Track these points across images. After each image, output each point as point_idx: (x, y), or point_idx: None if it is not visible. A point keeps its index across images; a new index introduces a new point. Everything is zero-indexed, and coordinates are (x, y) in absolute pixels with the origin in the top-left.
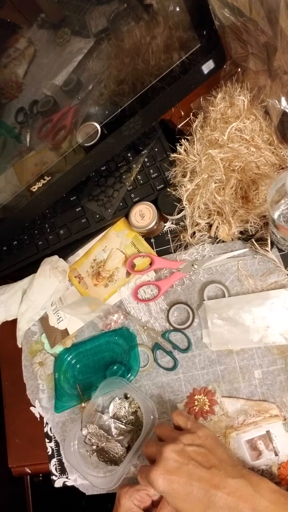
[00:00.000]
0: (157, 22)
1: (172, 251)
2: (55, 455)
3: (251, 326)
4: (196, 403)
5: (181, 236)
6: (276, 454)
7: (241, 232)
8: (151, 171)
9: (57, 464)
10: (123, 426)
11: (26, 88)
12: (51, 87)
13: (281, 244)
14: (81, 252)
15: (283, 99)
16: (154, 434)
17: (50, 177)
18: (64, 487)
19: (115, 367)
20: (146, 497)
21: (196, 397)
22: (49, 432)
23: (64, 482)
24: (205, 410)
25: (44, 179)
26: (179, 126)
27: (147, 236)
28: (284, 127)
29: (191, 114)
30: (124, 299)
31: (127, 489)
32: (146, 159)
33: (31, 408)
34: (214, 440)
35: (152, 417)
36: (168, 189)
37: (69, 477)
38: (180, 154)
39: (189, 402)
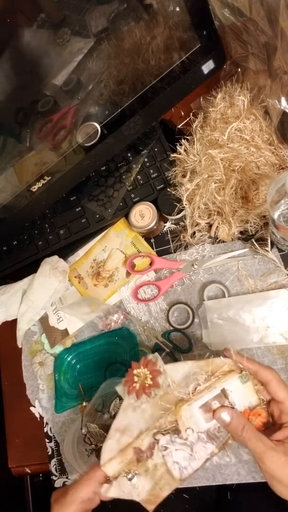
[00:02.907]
0: (157, 22)
1: (172, 251)
2: (55, 455)
3: (251, 326)
4: (136, 379)
5: (181, 236)
6: (233, 408)
7: (241, 232)
8: (151, 171)
9: (57, 464)
10: None
11: (26, 88)
12: (51, 87)
13: (281, 244)
14: (81, 252)
15: (283, 99)
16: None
17: (50, 177)
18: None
19: (115, 368)
20: (82, 504)
21: (135, 371)
22: (49, 432)
23: (64, 482)
24: (147, 384)
25: (44, 179)
26: (179, 126)
27: (147, 236)
28: (284, 127)
29: (191, 114)
30: (124, 299)
31: (58, 503)
32: (146, 159)
33: (31, 408)
34: None
35: None
36: (168, 189)
37: (69, 477)
38: (180, 154)
39: (128, 379)
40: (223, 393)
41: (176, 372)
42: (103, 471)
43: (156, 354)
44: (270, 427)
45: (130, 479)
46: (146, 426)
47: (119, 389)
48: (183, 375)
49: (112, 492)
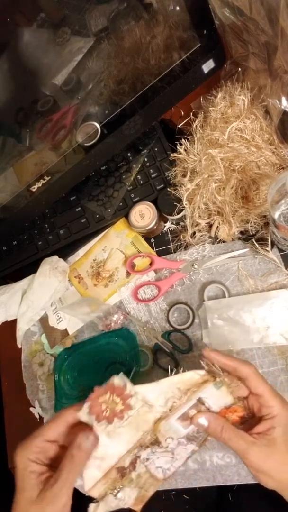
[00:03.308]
0: (157, 22)
1: (172, 251)
2: None
3: (251, 326)
4: (104, 407)
5: (181, 236)
6: (209, 411)
7: (241, 232)
8: (151, 171)
9: None
10: None
11: (26, 87)
12: (51, 86)
13: (281, 244)
14: (81, 252)
15: (283, 98)
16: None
17: (49, 177)
18: None
19: (115, 368)
20: (45, 444)
21: (100, 399)
22: None
23: None
24: (118, 410)
25: (44, 179)
26: (179, 126)
27: (147, 236)
28: (285, 127)
29: (191, 113)
30: (124, 299)
31: (20, 445)
32: (146, 159)
33: (31, 409)
34: None
35: None
36: (168, 189)
37: None
38: (180, 153)
39: (94, 407)
40: (199, 401)
41: (149, 391)
42: (73, 415)
43: (122, 376)
44: (249, 421)
45: (115, 495)
46: (126, 448)
47: (84, 416)
48: (157, 393)
49: (101, 510)
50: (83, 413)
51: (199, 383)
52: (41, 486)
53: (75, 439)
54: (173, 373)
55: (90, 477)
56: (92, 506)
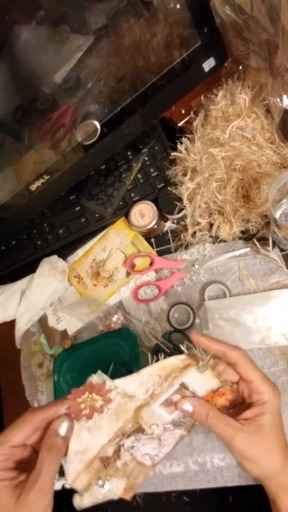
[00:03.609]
0: (158, 19)
1: (173, 250)
2: None
3: (252, 326)
4: (82, 406)
5: (182, 236)
6: (195, 395)
7: (242, 232)
8: (151, 169)
9: None
10: None
11: (25, 85)
12: (50, 84)
13: (282, 244)
14: (80, 252)
15: (284, 97)
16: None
17: (49, 176)
18: (63, 489)
19: (115, 368)
20: (11, 450)
21: (80, 399)
22: None
23: (63, 484)
24: (98, 406)
25: (43, 178)
26: (179, 125)
27: (147, 235)
28: (286, 126)
29: (192, 112)
30: (124, 299)
31: None
32: (146, 158)
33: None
34: None
35: None
36: (168, 188)
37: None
38: (180, 152)
39: (72, 407)
40: (182, 386)
41: (129, 383)
42: (41, 417)
43: (100, 374)
44: (238, 406)
45: (101, 486)
46: (107, 439)
47: (61, 419)
48: (138, 383)
49: (86, 501)
50: (60, 417)
51: (180, 368)
52: (16, 492)
53: (50, 427)
54: (153, 361)
55: (72, 470)
56: (76, 497)
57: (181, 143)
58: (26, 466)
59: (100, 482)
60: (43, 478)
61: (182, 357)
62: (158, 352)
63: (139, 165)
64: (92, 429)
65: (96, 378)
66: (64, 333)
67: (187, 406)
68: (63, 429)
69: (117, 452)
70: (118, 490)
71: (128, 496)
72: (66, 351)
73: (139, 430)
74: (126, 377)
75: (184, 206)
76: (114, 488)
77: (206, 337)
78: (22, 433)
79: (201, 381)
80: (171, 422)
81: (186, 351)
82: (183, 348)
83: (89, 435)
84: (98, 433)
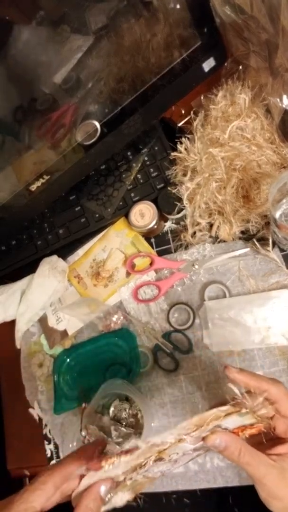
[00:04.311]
0: (158, 19)
1: (173, 251)
2: (54, 457)
3: (252, 326)
4: (106, 467)
5: (182, 236)
6: (226, 430)
7: (242, 232)
8: (151, 170)
9: None
10: (123, 429)
11: (25, 85)
12: (50, 85)
13: (282, 244)
14: (80, 252)
15: (284, 97)
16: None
17: (49, 176)
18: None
19: (115, 369)
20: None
21: (104, 462)
22: (48, 434)
23: None
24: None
25: (43, 178)
26: (179, 125)
27: (147, 235)
28: (286, 126)
29: (192, 112)
30: (124, 299)
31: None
32: (146, 158)
33: (30, 410)
34: None
35: (152, 424)
36: (168, 188)
37: None
38: (180, 152)
39: (93, 467)
40: (216, 427)
41: (162, 437)
42: (60, 475)
43: (134, 441)
44: (271, 441)
45: (108, 500)
46: (122, 471)
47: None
48: (169, 434)
49: None
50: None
51: (221, 417)
52: None
53: (91, 490)
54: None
55: (85, 484)
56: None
57: (181, 143)
58: None
59: (107, 498)
60: None
61: (224, 408)
62: (158, 352)
63: (139, 165)
64: (108, 469)
65: (129, 445)
66: (64, 333)
67: (219, 442)
68: (104, 492)
69: (130, 476)
70: (122, 501)
71: (131, 498)
72: (66, 351)
73: (158, 459)
74: (161, 435)
75: (184, 206)
76: (118, 501)
77: (243, 373)
78: (44, 496)
79: (237, 421)
80: (192, 449)
81: (231, 401)
82: (236, 392)
83: (103, 474)
84: (113, 471)
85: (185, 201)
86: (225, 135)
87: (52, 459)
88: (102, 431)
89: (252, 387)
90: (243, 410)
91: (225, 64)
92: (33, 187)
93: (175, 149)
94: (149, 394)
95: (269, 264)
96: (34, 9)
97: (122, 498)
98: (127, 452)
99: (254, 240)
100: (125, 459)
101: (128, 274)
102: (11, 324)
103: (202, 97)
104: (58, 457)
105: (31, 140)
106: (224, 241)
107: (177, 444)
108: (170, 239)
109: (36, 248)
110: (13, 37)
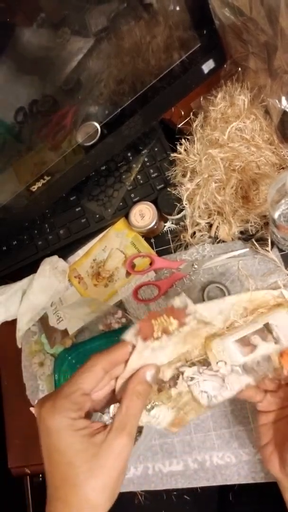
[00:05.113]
0: (157, 22)
1: (172, 251)
2: None
3: None
4: (155, 328)
5: (181, 236)
6: (277, 343)
7: (241, 232)
8: (151, 170)
9: None
10: None
11: (26, 87)
12: (50, 86)
13: (281, 244)
14: (81, 252)
15: (283, 98)
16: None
17: (49, 177)
18: None
19: None
20: (83, 398)
21: (154, 321)
22: None
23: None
24: (171, 330)
25: (44, 179)
26: (179, 126)
27: (147, 236)
28: (285, 127)
29: (191, 113)
30: (124, 299)
31: (48, 403)
32: (146, 159)
33: (31, 409)
34: None
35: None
36: (168, 189)
37: None
38: (180, 153)
39: (144, 329)
40: (266, 328)
41: (209, 309)
42: (110, 360)
43: (183, 296)
44: None
45: (149, 410)
46: (168, 359)
47: (130, 337)
48: (218, 311)
49: None
50: (128, 334)
51: (270, 305)
52: (97, 439)
53: (138, 374)
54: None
55: (129, 370)
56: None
57: (181, 144)
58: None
59: (149, 405)
60: (132, 423)
61: (275, 292)
62: None
63: (139, 166)
64: (156, 349)
65: (179, 301)
66: (65, 332)
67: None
68: (151, 377)
69: (175, 379)
70: (165, 420)
71: (173, 431)
72: (67, 350)
73: (204, 362)
74: (208, 302)
75: (184, 206)
76: (161, 416)
77: None
78: (93, 377)
79: (285, 319)
80: (242, 365)
81: (283, 287)
82: (279, 283)
83: (151, 354)
84: (160, 352)
85: (184, 202)
86: (225, 136)
87: None
88: None
89: None
90: None
91: (225, 65)
92: (34, 188)
93: (174, 150)
94: None
95: (268, 264)
96: (35, 12)
97: (165, 415)
98: (173, 311)
99: (253, 240)
100: (172, 339)
101: (128, 274)
102: (12, 323)
103: (201, 99)
104: None
105: (32, 141)
106: (224, 241)
107: (226, 335)
108: (170, 239)
109: (37, 249)
110: (14, 39)
